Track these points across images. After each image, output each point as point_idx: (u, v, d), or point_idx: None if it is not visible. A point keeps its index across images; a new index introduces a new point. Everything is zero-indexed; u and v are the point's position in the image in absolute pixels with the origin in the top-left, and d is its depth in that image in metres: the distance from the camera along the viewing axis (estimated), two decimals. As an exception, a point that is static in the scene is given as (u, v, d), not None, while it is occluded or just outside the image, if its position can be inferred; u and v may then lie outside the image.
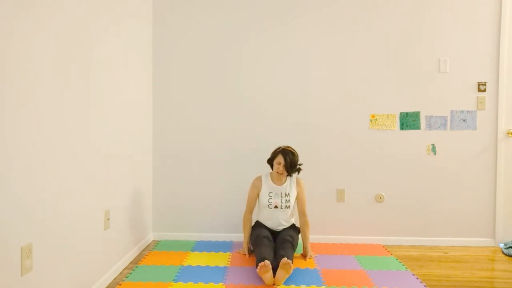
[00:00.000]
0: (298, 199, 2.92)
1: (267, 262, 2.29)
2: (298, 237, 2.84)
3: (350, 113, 3.27)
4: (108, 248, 2.41)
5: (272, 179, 2.94)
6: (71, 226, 1.94)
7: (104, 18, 2.30)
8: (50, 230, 1.76)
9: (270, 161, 2.94)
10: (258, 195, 2.95)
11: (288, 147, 2.89)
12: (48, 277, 1.74)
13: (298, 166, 2.89)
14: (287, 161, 2.79)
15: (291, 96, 3.28)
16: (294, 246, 2.63)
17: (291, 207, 2.89)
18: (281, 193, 2.87)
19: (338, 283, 2.36)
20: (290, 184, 2.91)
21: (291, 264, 2.28)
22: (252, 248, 2.83)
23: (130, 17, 2.75)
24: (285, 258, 2.29)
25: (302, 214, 2.92)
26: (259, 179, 2.97)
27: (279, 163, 2.82)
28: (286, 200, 2.86)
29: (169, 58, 3.30)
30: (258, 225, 2.92)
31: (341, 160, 3.28)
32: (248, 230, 2.92)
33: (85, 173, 2.09)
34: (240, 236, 3.26)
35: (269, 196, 2.87)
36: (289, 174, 2.89)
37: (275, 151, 2.90)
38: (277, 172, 2.85)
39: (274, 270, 2.35)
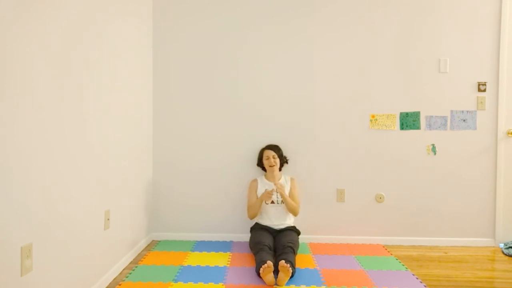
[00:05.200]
0: (291, 196, 3.02)
1: (269, 263, 2.29)
2: (299, 241, 2.85)
3: (350, 113, 3.27)
4: (108, 248, 2.41)
5: (267, 178, 3.10)
6: (71, 226, 1.94)
7: (103, 18, 2.30)
8: (50, 230, 1.76)
9: (260, 162, 3.16)
10: (256, 194, 3.04)
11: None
12: (48, 277, 1.74)
13: (284, 156, 3.18)
14: (275, 151, 3.06)
15: (290, 97, 3.27)
16: (295, 251, 2.64)
17: None
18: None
19: (338, 283, 2.36)
20: (285, 181, 3.07)
21: (289, 268, 2.28)
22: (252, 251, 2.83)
23: (129, 18, 2.75)
24: (283, 261, 2.30)
25: None
26: (255, 180, 3.13)
27: (268, 158, 3.05)
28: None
29: (169, 58, 3.30)
30: (258, 228, 2.94)
31: (341, 160, 3.28)
32: (257, 199, 2.98)
33: (85, 173, 2.09)
34: (240, 236, 3.28)
35: None
36: (281, 163, 3.10)
37: (259, 152, 3.17)
38: (269, 166, 3.03)
39: (275, 274, 2.37)
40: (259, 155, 3.17)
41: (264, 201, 2.97)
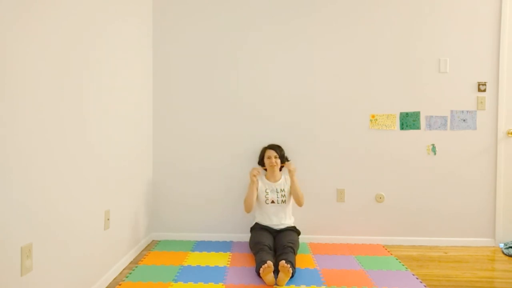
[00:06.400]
0: (293, 189, 3.02)
1: (269, 263, 2.29)
2: (299, 241, 2.85)
3: (350, 113, 3.27)
4: (108, 248, 2.41)
5: (267, 178, 3.09)
6: (71, 226, 1.94)
7: (103, 18, 2.30)
8: (50, 230, 1.76)
9: (261, 161, 3.16)
10: (257, 190, 3.02)
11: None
12: (48, 277, 1.74)
13: (286, 157, 3.17)
14: (277, 151, 3.06)
15: (290, 97, 3.27)
16: (295, 251, 2.64)
17: (287, 202, 3.01)
18: (276, 189, 3.01)
19: (338, 283, 2.36)
20: (285, 181, 3.07)
21: (289, 268, 2.28)
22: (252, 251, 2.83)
23: (129, 18, 2.75)
24: (283, 261, 2.30)
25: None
26: None
27: (269, 157, 3.04)
28: (282, 195, 3.00)
29: (169, 58, 3.30)
30: (258, 228, 2.94)
31: (341, 160, 3.28)
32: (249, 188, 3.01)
33: (85, 173, 2.09)
34: (240, 236, 3.28)
35: (266, 192, 3.01)
36: (282, 163, 3.08)
37: (261, 151, 3.16)
38: (271, 166, 3.03)
39: (275, 274, 2.37)
40: (260, 154, 3.17)
41: (264, 201, 2.97)
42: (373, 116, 3.27)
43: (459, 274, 2.58)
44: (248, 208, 2.98)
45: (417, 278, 2.47)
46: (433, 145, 3.25)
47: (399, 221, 3.27)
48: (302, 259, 2.79)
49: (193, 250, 3.00)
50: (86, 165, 2.10)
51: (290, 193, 3.05)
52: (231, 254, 2.91)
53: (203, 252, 2.95)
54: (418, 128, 3.25)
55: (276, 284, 2.31)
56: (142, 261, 2.76)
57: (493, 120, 3.21)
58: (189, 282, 2.35)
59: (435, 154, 3.25)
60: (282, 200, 2.98)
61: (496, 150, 3.21)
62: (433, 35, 3.22)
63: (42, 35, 1.68)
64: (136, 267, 2.64)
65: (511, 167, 3.22)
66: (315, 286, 2.31)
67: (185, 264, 2.68)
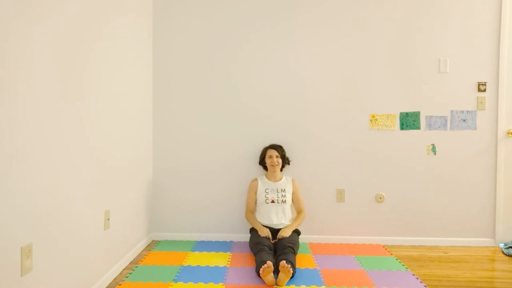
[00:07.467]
0: (295, 198, 3.05)
1: (269, 263, 2.29)
2: (299, 241, 2.85)
3: (350, 113, 3.27)
4: (108, 248, 2.41)
5: (267, 178, 3.09)
6: (71, 226, 1.94)
7: (103, 19, 2.30)
8: (50, 230, 1.76)
9: (262, 160, 3.16)
10: (256, 195, 3.04)
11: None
12: (48, 277, 1.74)
13: (287, 157, 3.17)
14: (278, 151, 3.05)
15: (290, 97, 3.27)
16: (295, 251, 2.64)
17: (288, 202, 3.01)
18: (277, 189, 3.01)
19: (338, 283, 2.36)
20: (286, 182, 3.07)
21: (290, 268, 2.28)
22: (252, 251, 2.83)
23: (129, 18, 2.75)
24: (284, 262, 2.30)
25: (299, 211, 3.07)
26: (255, 180, 3.12)
27: (271, 157, 3.04)
28: (282, 195, 2.99)
29: (168, 59, 3.30)
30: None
31: (341, 160, 3.28)
32: (256, 220, 2.99)
33: (85, 173, 2.09)
34: (240, 236, 3.28)
35: (266, 192, 3.01)
36: (283, 164, 3.09)
37: (262, 151, 3.16)
38: (272, 165, 3.03)
39: (275, 274, 2.37)
40: (261, 154, 3.16)
41: (264, 201, 2.97)
42: (373, 116, 3.27)
43: (459, 274, 2.58)
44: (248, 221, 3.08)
45: (417, 278, 2.47)
46: (433, 145, 3.25)
47: (399, 221, 3.27)
48: (302, 259, 2.79)
49: (193, 250, 3.00)
50: (86, 165, 2.10)
51: (291, 194, 3.06)
52: (231, 254, 2.91)
53: (203, 252, 2.95)
54: (418, 128, 3.25)
55: (276, 284, 2.31)
56: (142, 261, 2.76)
57: (493, 120, 3.21)
58: (189, 282, 2.35)
59: (435, 154, 3.25)
60: (282, 200, 2.97)
61: (496, 150, 3.21)
62: (433, 35, 3.22)
63: (42, 35, 1.68)
64: (136, 267, 2.64)
65: (511, 167, 3.22)
66: (315, 286, 2.31)
67: (185, 264, 2.69)
